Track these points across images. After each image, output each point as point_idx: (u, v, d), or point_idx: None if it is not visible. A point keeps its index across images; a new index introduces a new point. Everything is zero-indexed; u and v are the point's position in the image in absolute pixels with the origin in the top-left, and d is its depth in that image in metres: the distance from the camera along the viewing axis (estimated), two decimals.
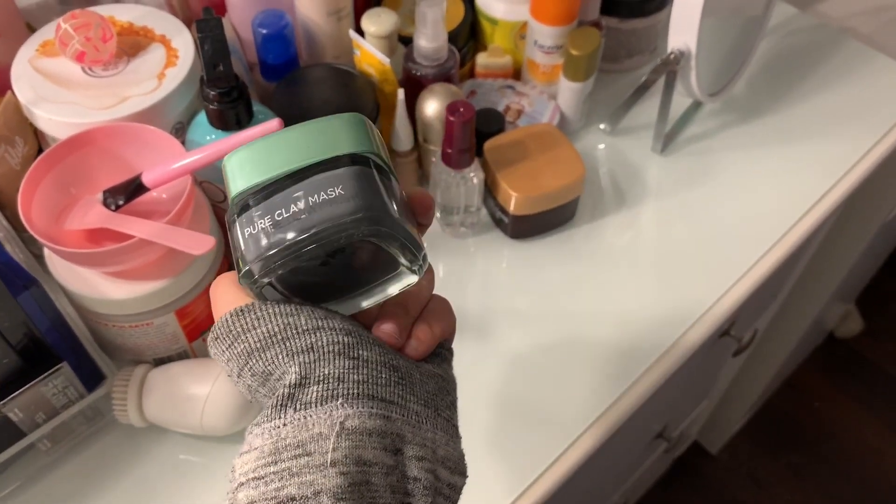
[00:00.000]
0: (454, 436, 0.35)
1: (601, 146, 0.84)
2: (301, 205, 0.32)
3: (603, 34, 0.79)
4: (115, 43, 0.62)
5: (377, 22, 0.72)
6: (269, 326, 0.33)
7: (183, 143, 0.62)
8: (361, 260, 0.35)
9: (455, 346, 0.40)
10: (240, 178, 0.33)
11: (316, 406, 0.31)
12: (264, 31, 0.69)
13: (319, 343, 0.32)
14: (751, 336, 1.00)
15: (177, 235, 0.53)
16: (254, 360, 0.33)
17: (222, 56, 0.56)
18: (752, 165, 0.83)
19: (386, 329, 0.35)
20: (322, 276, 0.35)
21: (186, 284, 0.59)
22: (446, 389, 0.36)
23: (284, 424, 0.30)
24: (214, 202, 0.63)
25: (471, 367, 0.68)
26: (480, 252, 0.76)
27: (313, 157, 0.32)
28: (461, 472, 0.34)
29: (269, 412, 0.31)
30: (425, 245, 0.35)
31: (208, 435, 0.61)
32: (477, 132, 0.71)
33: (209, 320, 0.63)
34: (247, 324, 0.33)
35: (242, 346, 0.33)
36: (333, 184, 0.32)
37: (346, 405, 0.31)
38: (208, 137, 0.60)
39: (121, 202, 0.56)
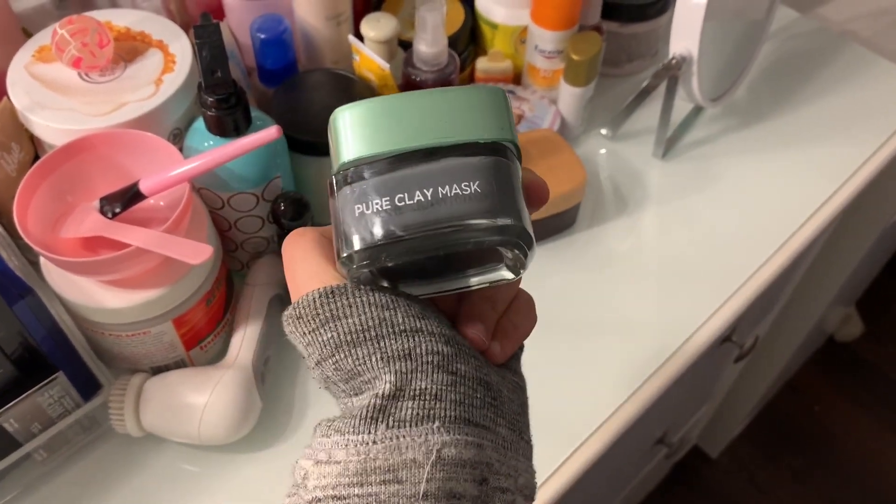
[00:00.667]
0: (531, 459, 0.32)
1: (602, 151, 0.83)
2: (428, 194, 0.28)
3: (604, 39, 0.79)
4: (112, 48, 0.62)
5: (376, 27, 0.71)
6: (363, 318, 0.30)
7: (180, 149, 0.61)
8: (466, 253, 0.31)
9: None
10: (357, 141, 0.29)
11: (410, 426, 0.28)
12: (263, 36, 0.69)
13: (418, 350, 0.29)
14: (752, 342, 0.99)
15: (174, 244, 0.52)
16: (341, 355, 0.30)
17: (220, 62, 0.56)
18: (753, 170, 0.82)
19: (475, 332, 0.32)
20: (420, 263, 0.31)
21: (184, 293, 0.58)
22: (525, 404, 0.33)
23: (374, 442, 0.28)
24: (212, 209, 0.63)
25: None
26: None
27: (448, 137, 0.28)
28: (533, 498, 0.32)
29: (357, 423, 0.28)
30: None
31: (206, 444, 0.60)
32: None
33: (207, 328, 0.62)
34: (337, 310, 0.30)
35: (330, 336, 0.30)
36: (468, 176, 0.28)
37: (442, 430, 0.28)
38: (206, 144, 0.60)
39: (118, 210, 0.55)
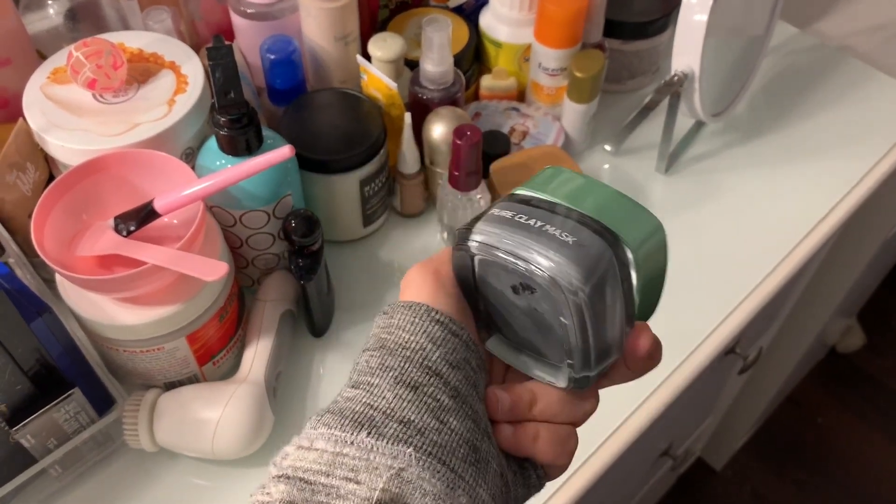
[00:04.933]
0: None
1: (606, 167, 0.84)
2: (545, 226, 0.32)
3: (606, 56, 0.80)
4: (126, 70, 0.63)
5: (383, 47, 0.73)
6: (410, 338, 0.34)
7: (193, 168, 0.62)
8: (539, 322, 0.34)
9: None
10: (543, 184, 0.35)
11: (387, 442, 0.31)
12: (272, 57, 0.70)
13: (425, 389, 0.33)
14: (756, 353, 1.00)
15: (189, 262, 0.53)
16: (377, 356, 0.34)
17: (233, 83, 0.57)
18: (755, 184, 0.83)
19: (495, 396, 0.35)
20: (506, 306, 0.35)
21: (197, 309, 0.59)
22: (506, 495, 0.35)
23: (352, 443, 0.30)
24: (224, 226, 0.64)
25: None
26: None
27: (602, 218, 0.33)
28: None
29: (344, 422, 0.31)
30: (597, 374, 0.34)
31: (219, 458, 0.61)
32: (483, 154, 0.71)
33: (219, 344, 0.63)
34: (403, 321, 0.34)
35: (384, 337, 0.34)
36: (584, 237, 0.32)
37: (413, 456, 0.31)
38: (218, 163, 0.61)
39: (132, 228, 0.56)
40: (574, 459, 0.64)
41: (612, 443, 0.66)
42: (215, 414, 0.60)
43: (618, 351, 0.34)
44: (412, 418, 0.32)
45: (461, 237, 0.34)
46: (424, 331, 0.34)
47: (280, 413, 0.64)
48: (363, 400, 0.32)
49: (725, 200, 0.82)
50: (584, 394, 0.36)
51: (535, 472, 0.37)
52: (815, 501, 1.67)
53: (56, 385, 0.56)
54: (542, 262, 0.31)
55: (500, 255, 0.32)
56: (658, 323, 0.78)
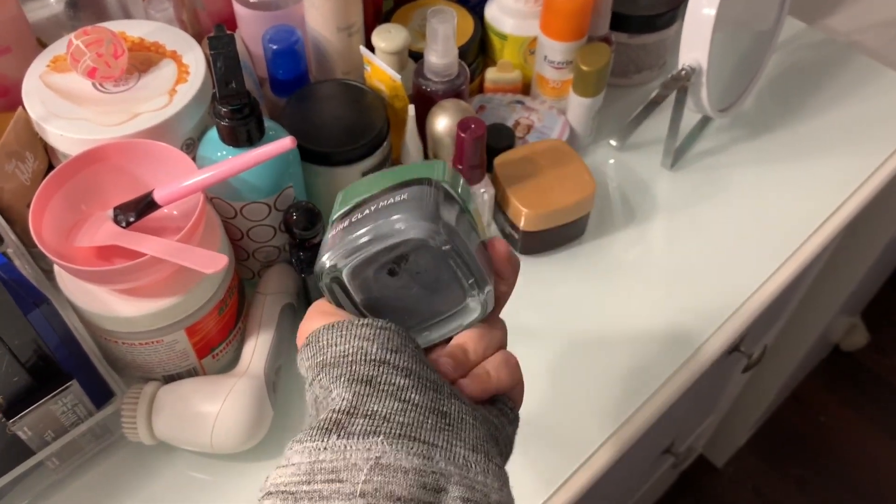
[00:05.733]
0: (506, 483, 0.36)
1: (611, 161, 0.84)
2: (371, 208, 0.37)
3: (613, 49, 0.79)
4: (127, 59, 0.62)
5: (387, 38, 0.72)
6: (346, 347, 0.36)
7: (193, 159, 0.62)
8: (428, 280, 0.38)
9: None
10: (345, 200, 0.39)
11: (358, 438, 0.32)
12: (275, 47, 0.69)
13: (378, 379, 0.35)
14: (761, 352, 1.00)
15: (189, 254, 0.52)
16: (324, 374, 0.36)
17: (235, 73, 0.56)
18: (762, 181, 0.83)
19: (445, 362, 0.38)
20: (394, 293, 0.39)
21: (197, 301, 0.58)
22: (497, 438, 0.38)
23: (325, 448, 0.32)
24: (225, 218, 0.63)
25: None
26: None
27: (391, 183, 0.38)
28: None
29: (314, 433, 0.33)
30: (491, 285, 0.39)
31: (218, 452, 0.61)
32: (487, 148, 0.70)
33: (219, 337, 0.63)
34: (331, 339, 0.37)
35: (320, 359, 0.36)
36: (401, 194, 0.37)
37: (385, 443, 0.32)
38: (219, 154, 0.60)
39: (132, 219, 0.56)
40: (576, 457, 0.64)
41: (616, 440, 0.65)
42: (214, 407, 0.59)
43: (490, 264, 0.40)
44: (375, 409, 0.33)
45: (323, 269, 0.38)
46: (355, 335, 0.36)
47: (279, 407, 0.64)
48: (327, 409, 0.34)
49: (731, 197, 0.81)
50: (490, 322, 0.41)
51: (508, 406, 0.40)
52: (816, 499, 1.66)
53: (54, 377, 0.56)
54: (398, 225, 0.36)
55: (364, 249, 0.36)
56: (662, 320, 0.77)
